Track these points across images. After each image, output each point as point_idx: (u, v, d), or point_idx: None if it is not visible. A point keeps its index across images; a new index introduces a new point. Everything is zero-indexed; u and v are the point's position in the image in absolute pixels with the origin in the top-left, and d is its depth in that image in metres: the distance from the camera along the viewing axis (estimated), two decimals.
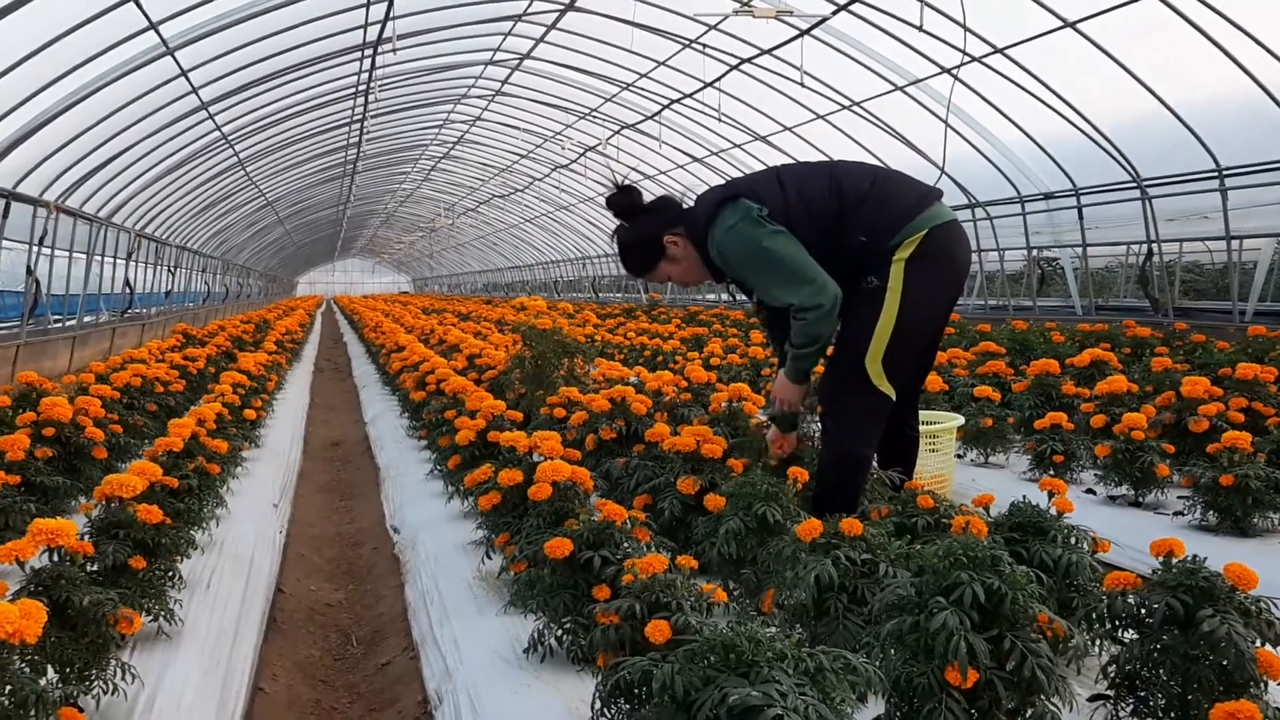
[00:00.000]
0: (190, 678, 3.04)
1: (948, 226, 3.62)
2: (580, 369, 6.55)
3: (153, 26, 9.48)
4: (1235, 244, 10.94)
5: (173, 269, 20.59)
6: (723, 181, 4.14)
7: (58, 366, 12.31)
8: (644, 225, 3.88)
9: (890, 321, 3.54)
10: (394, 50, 11.38)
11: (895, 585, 2.38)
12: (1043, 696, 2.23)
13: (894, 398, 3.60)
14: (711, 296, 23.83)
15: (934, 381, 6.50)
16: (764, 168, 4.02)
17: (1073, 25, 9.78)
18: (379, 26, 12.13)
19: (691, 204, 3.93)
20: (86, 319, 15.00)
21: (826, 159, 3.94)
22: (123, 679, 2.67)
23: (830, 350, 3.79)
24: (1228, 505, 4.41)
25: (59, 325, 13.61)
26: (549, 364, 6.44)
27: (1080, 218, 12.71)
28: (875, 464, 3.91)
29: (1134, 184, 11.44)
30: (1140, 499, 5.01)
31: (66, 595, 2.60)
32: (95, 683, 2.63)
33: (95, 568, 3.12)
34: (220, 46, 11.05)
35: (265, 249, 34.12)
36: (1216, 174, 10.35)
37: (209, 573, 4.11)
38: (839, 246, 3.60)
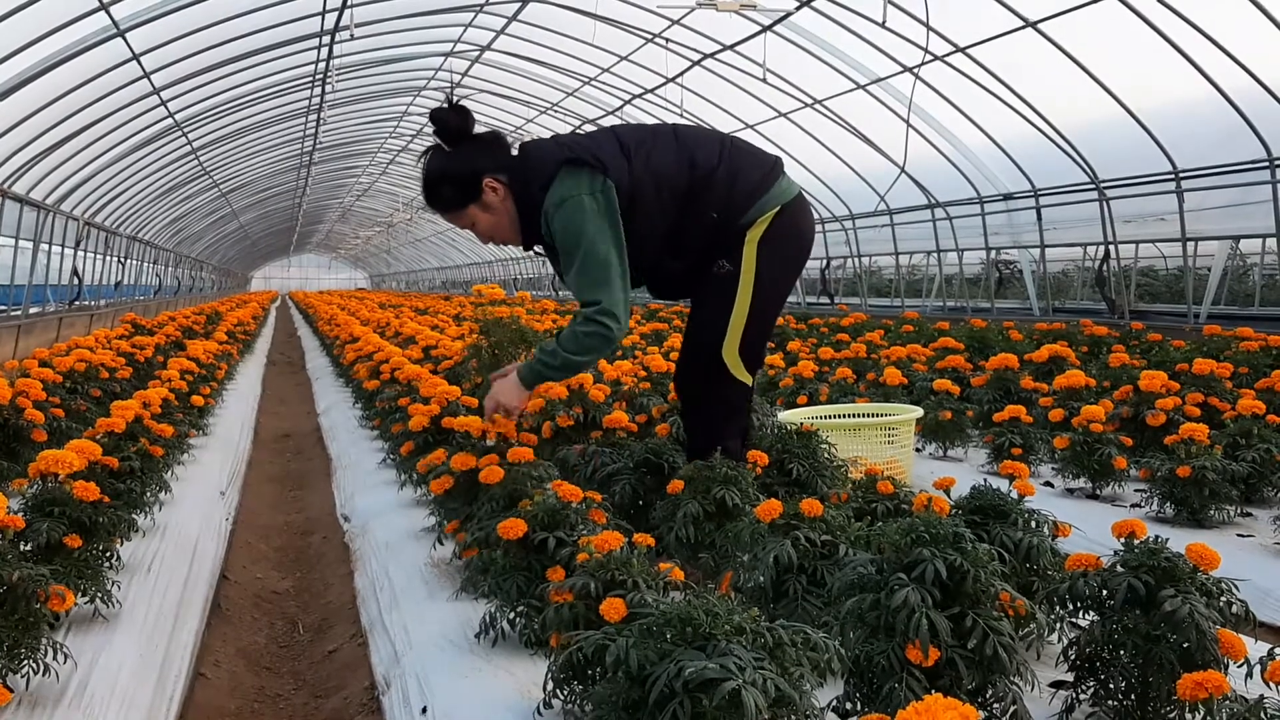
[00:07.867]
0: (127, 661, 2.92)
1: (795, 202, 3.49)
2: None
3: (104, 7, 9.25)
4: (1190, 247, 11.05)
5: (123, 259, 20.21)
6: (553, 136, 3.70)
7: (1, 355, 12.01)
8: (466, 157, 3.40)
9: (745, 308, 3.43)
10: (352, 37, 11.23)
11: (855, 563, 2.33)
12: (1004, 676, 2.19)
13: (752, 385, 3.54)
14: None
15: (893, 375, 6.48)
16: (595, 128, 3.83)
17: (1034, 25, 9.82)
18: (337, 14, 11.94)
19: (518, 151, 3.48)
20: (33, 310, 14.66)
21: (664, 123, 3.69)
22: (55, 659, 2.56)
23: (681, 340, 3.64)
24: (1184, 497, 4.41)
25: (2, 313, 13.29)
26: (506, 353, 6.33)
27: (1039, 219, 12.80)
28: None
29: (1092, 186, 11.53)
30: (1098, 491, 5.01)
31: None
32: (25, 662, 2.52)
33: (29, 546, 3.00)
34: (173, 30, 10.79)
35: (219, 242, 33.60)
36: (1173, 176, 10.44)
37: (151, 557, 3.98)
38: (687, 223, 3.43)
